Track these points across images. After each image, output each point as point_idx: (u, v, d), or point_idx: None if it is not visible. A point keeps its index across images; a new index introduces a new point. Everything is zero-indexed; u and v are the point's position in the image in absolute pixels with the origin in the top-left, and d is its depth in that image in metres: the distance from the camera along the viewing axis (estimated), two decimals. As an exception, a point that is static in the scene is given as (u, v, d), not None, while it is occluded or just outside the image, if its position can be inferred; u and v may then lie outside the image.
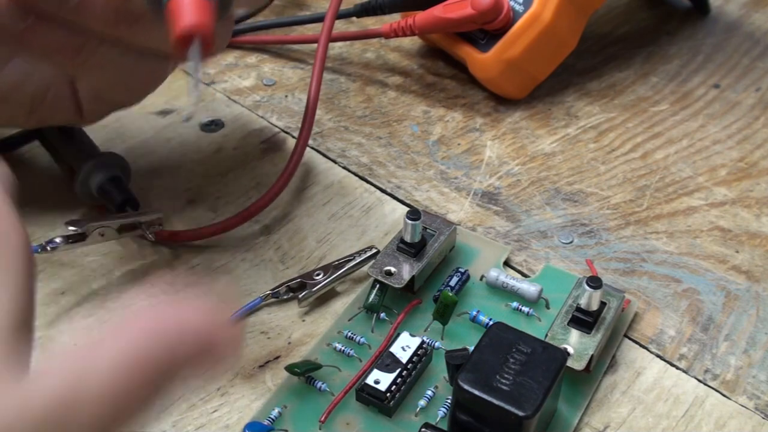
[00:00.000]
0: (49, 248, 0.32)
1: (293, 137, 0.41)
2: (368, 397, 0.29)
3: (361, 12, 0.45)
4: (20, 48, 0.28)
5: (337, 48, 0.48)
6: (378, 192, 0.39)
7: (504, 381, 0.26)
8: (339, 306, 0.33)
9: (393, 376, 0.29)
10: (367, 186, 0.39)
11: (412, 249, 0.33)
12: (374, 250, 0.34)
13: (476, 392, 0.26)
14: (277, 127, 0.42)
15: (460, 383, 0.26)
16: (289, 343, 0.32)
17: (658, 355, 0.32)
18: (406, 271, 0.32)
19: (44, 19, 0.27)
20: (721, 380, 0.31)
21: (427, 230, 0.34)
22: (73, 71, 0.29)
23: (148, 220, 0.34)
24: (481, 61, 0.43)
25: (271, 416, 0.29)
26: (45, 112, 0.32)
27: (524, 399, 0.26)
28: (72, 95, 0.32)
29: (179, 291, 0.19)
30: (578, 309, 0.30)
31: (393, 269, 0.32)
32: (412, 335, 0.30)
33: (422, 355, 0.30)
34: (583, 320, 0.30)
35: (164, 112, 0.43)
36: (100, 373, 0.17)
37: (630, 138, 0.42)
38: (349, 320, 0.32)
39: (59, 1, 0.27)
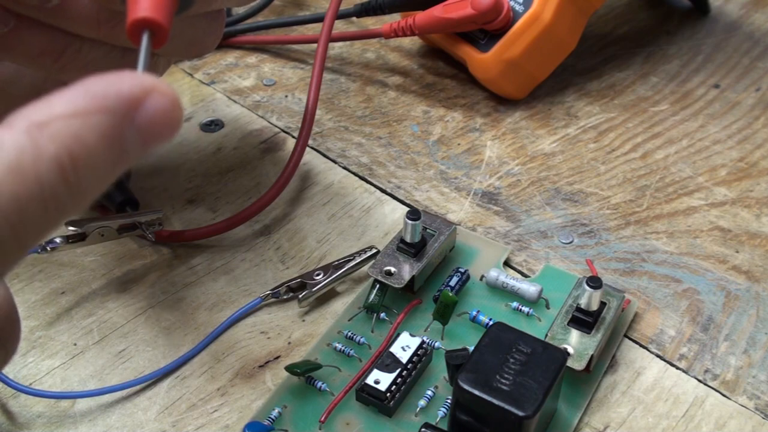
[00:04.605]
0: (49, 248, 0.32)
1: (293, 137, 0.41)
2: (368, 397, 0.29)
3: (361, 12, 0.45)
4: (3, 53, 0.28)
5: (337, 48, 0.48)
6: (378, 192, 0.39)
7: (504, 381, 0.26)
8: (339, 306, 0.33)
9: (393, 376, 0.29)
10: (367, 186, 0.39)
11: (412, 249, 0.33)
12: (374, 250, 0.34)
13: (476, 392, 0.26)
14: (277, 127, 0.42)
15: (460, 383, 0.26)
16: (289, 343, 0.32)
17: (658, 355, 0.32)
18: (406, 271, 0.32)
19: (26, 23, 0.27)
20: (721, 380, 0.31)
21: (427, 230, 0.34)
22: (59, 74, 0.29)
23: (148, 220, 0.34)
24: (481, 61, 0.43)
25: (271, 416, 0.29)
26: None
27: (524, 399, 0.26)
28: None
29: None
30: (578, 309, 0.30)
31: (393, 269, 0.32)
32: (412, 335, 0.30)
33: (422, 355, 0.30)
34: (583, 320, 0.30)
35: (164, 112, 0.42)
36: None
37: (630, 138, 0.42)
38: (349, 320, 0.32)
39: (40, 2, 0.26)
